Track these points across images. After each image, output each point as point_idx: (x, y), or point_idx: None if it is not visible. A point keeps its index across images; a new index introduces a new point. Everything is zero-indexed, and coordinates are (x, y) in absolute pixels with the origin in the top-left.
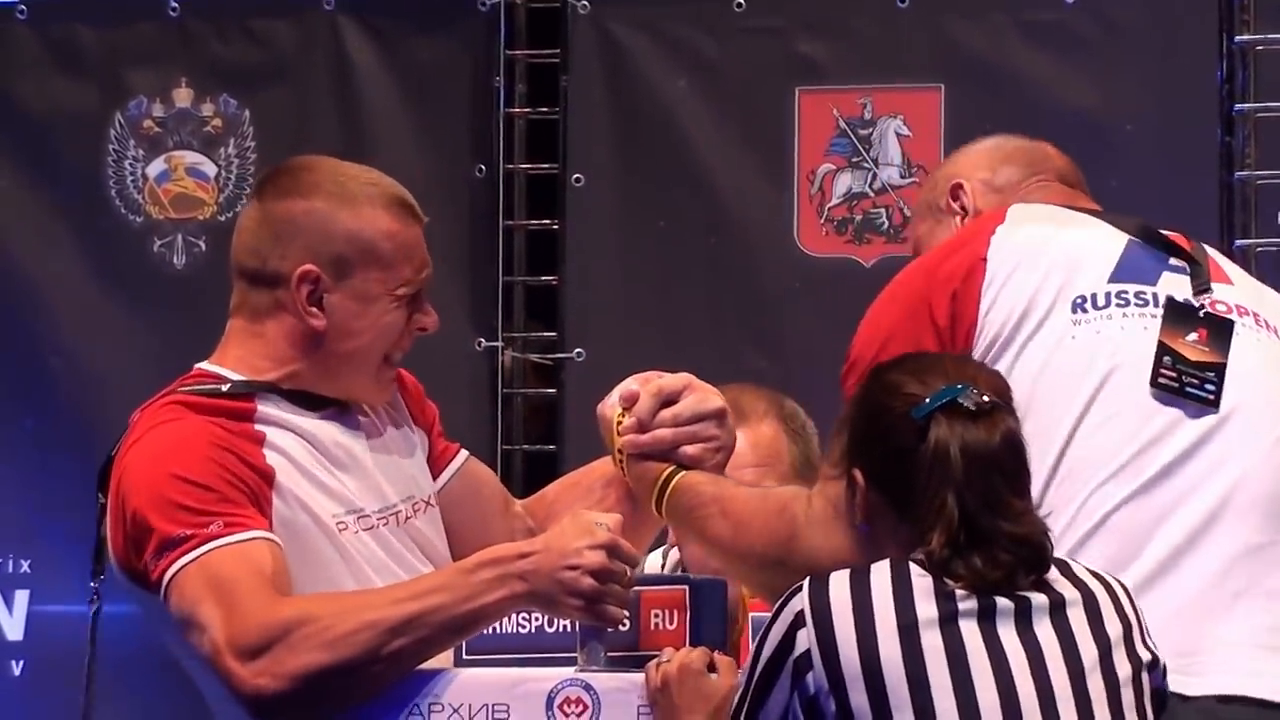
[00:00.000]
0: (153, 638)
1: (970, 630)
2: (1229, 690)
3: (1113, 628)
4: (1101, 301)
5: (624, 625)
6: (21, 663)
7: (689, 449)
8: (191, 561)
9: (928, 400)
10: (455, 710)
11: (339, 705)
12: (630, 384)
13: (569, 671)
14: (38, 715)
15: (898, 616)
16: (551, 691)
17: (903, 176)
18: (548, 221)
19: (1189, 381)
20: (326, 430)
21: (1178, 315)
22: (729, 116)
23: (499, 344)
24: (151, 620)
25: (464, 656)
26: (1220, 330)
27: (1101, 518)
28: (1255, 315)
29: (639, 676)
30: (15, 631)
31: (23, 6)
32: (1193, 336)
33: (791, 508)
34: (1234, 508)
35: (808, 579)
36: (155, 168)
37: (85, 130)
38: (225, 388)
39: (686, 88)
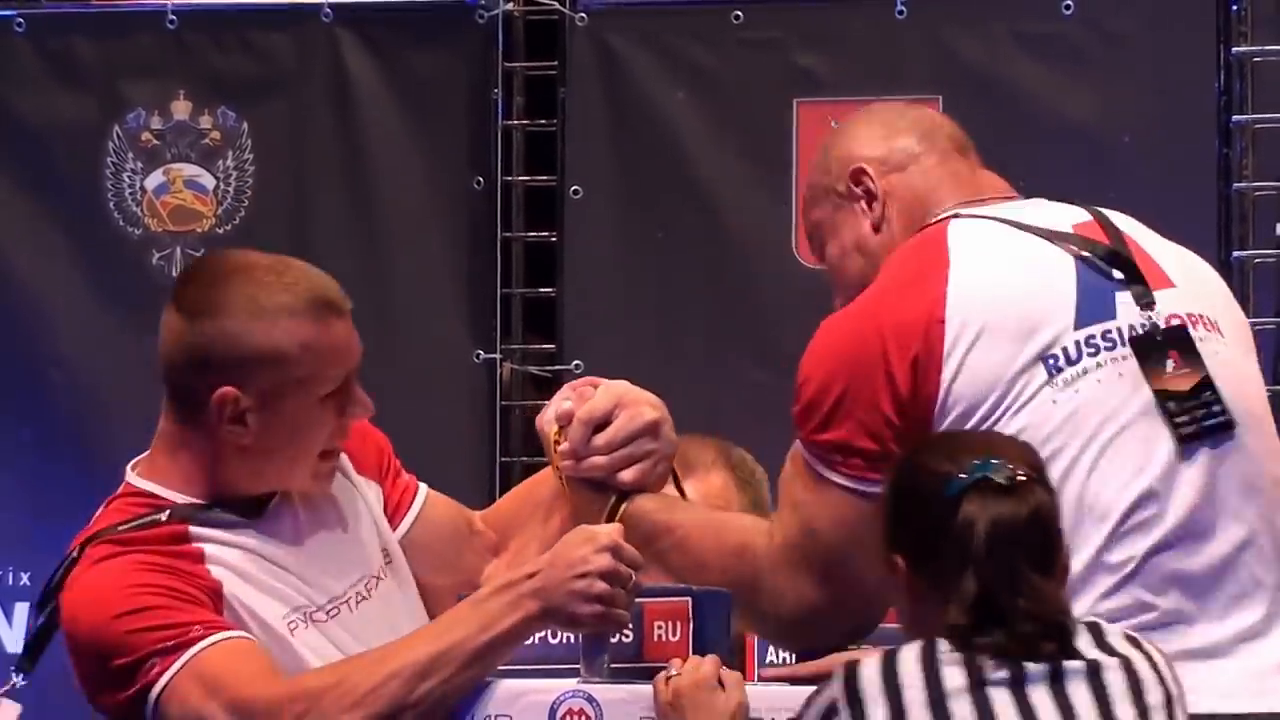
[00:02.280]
0: None
1: (1001, 696)
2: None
3: (1153, 696)
4: (1074, 354)
5: (627, 636)
6: (21, 675)
7: (626, 474)
8: (182, 669)
9: (961, 477)
10: None
11: None
12: (564, 401)
13: (572, 683)
14: None
15: (928, 690)
16: (554, 703)
17: None
18: (546, 233)
19: (1199, 415)
20: (263, 536)
21: (1147, 350)
22: (727, 128)
23: (497, 356)
24: None
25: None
26: (1185, 345)
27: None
28: (1202, 319)
29: (642, 688)
30: (15, 644)
31: (20, 19)
32: (1170, 365)
33: (752, 548)
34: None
35: (842, 667)
36: (153, 180)
37: (83, 143)
38: (163, 517)
39: (685, 99)
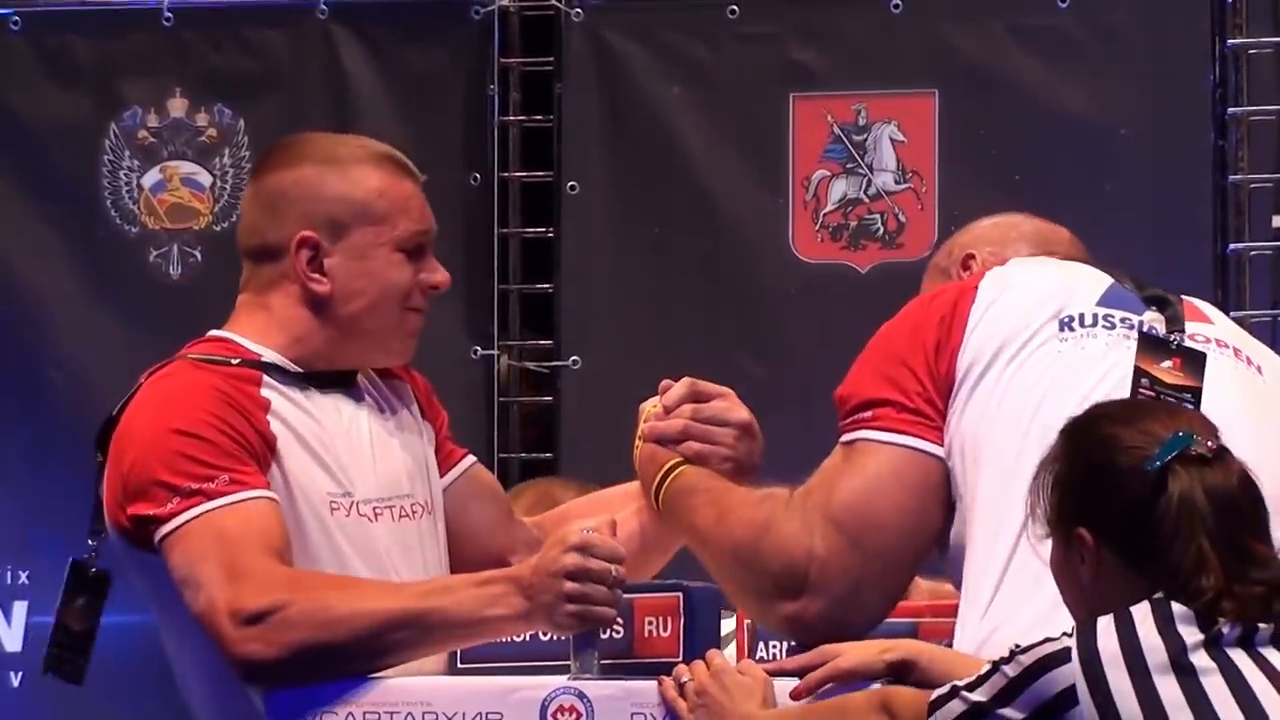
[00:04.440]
0: (159, 649)
1: (1238, 655)
2: None
3: None
4: (1089, 320)
5: (617, 632)
6: (20, 674)
7: (696, 445)
8: (196, 518)
9: (1158, 450)
10: (449, 718)
11: (325, 680)
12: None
13: (562, 680)
14: None
15: (1168, 651)
16: (545, 700)
17: (897, 182)
18: (543, 229)
19: (1167, 400)
20: (329, 410)
21: (1151, 345)
22: (723, 123)
23: (495, 352)
24: (141, 580)
25: (458, 665)
26: (1193, 359)
27: None
28: (1235, 350)
29: (633, 684)
30: (14, 643)
31: (16, 18)
32: (1167, 364)
33: (773, 498)
34: None
35: (1073, 627)
36: (150, 178)
37: (80, 141)
38: (235, 361)
39: (681, 95)
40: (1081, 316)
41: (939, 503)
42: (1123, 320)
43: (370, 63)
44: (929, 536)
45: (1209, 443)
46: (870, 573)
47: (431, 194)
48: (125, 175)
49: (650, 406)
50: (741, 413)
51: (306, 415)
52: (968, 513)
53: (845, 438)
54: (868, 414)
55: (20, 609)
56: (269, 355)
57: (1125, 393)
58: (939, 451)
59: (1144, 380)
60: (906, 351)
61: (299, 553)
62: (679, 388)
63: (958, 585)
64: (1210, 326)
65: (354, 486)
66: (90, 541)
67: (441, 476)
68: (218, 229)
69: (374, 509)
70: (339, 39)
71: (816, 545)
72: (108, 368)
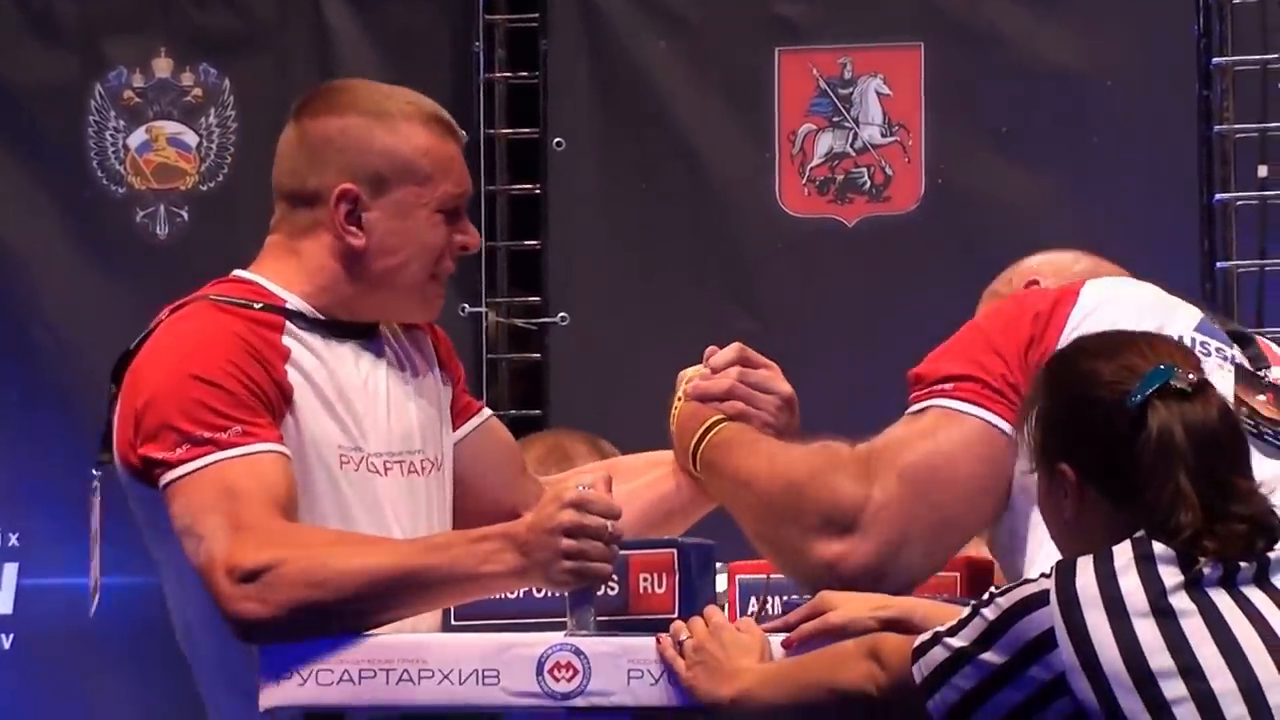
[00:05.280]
0: (152, 611)
1: (1219, 595)
2: None
3: None
4: (1187, 343)
5: (612, 589)
6: (10, 636)
7: (740, 405)
8: (205, 467)
9: (1138, 385)
10: (445, 675)
11: (320, 635)
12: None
13: (558, 636)
14: (27, 689)
15: (1147, 592)
16: (541, 656)
17: (884, 135)
18: (529, 186)
19: (1265, 430)
20: (347, 361)
21: (1247, 378)
22: (709, 78)
23: (483, 309)
24: (142, 510)
25: (453, 621)
26: None
27: None
28: None
29: (629, 640)
30: (4, 605)
31: None
32: (1262, 398)
33: (833, 447)
34: None
35: (1051, 568)
36: (136, 138)
37: (65, 102)
38: (258, 305)
39: (666, 50)
40: (1180, 338)
41: (1002, 482)
42: (1218, 350)
43: (355, 20)
44: (989, 511)
45: (1190, 375)
46: (924, 526)
47: None
48: (111, 135)
49: (693, 371)
50: (786, 385)
51: (325, 365)
52: (1030, 505)
53: (917, 406)
54: (948, 385)
55: (11, 570)
56: (294, 302)
57: None
58: (1013, 432)
59: (1243, 409)
60: (999, 339)
61: (304, 505)
62: (728, 351)
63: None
64: None
65: (365, 440)
66: (94, 471)
67: (457, 429)
68: (204, 189)
69: (384, 463)
70: None
71: (876, 490)
72: (95, 329)
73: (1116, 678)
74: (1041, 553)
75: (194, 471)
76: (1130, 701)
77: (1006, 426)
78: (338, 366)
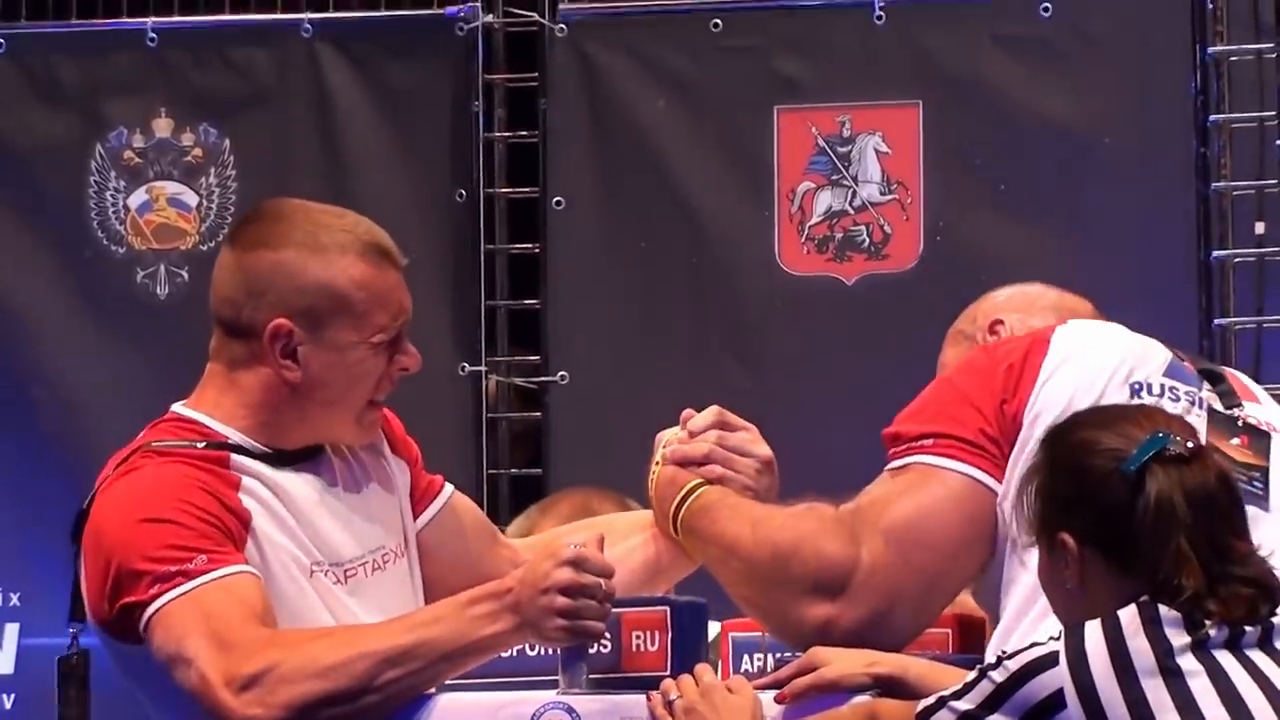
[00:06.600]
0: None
1: (1225, 657)
2: None
3: None
4: (1156, 390)
5: (605, 647)
6: (13, 696)
7: (719, 469)
8: (178, 597)
9: (1135, 452)
10: None
11: None
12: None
13: (551, 695)
14: None
15: (1155, 654)
16: (534, 715)
17: (882, 193)
18: (529, 245)
19: (1239, 476)
20: (297, 485)
21: (1220, 421)
22: (708, 136)
23: (482, 368)
24: (128, 674)
25: (446, 680)
26: (1259, 438)
27: None
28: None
29: (621, 698)
30: (6, 665)
31: (1, 39)
32: (1235, 441)
33: (817, 509)
34: None
35: (1061, 633)
36: (137, 198)
37: (66, 162)
38: (200, 444)
39: (665, 108)
40: (1150, 385)
41: (987, 536)
42: (1186, 394)
43: (355, 81)
44: (973, 566)
45: (1187, 442)
46: (912, 590)
47: (417, 211)
48: (111, 196)
49: (670, 434)
50: (765, 448)
51: (277, 490)
52: (1018, 554)
53: (897, 463)
54: (928, 441)
55: (12, 630)
56: (235, 437)
57: None
58: (995, 485)
59: (1216, 456)
60: (973, 393)
61: (281, 618)
62: (706, 415)
63: (990, 616)
64: (1260, 407)
65: (328, 553)
66: (70, 629)
67: (422, 512)
68: (204, 249)
69: (348, 571)
70: (323, 57)
71: (864, 553)
72: (96, 388)
73: None
74: (1021, 590)
75: (169, 603)
76: None
77: (988, 480)
78: (290, 489)
